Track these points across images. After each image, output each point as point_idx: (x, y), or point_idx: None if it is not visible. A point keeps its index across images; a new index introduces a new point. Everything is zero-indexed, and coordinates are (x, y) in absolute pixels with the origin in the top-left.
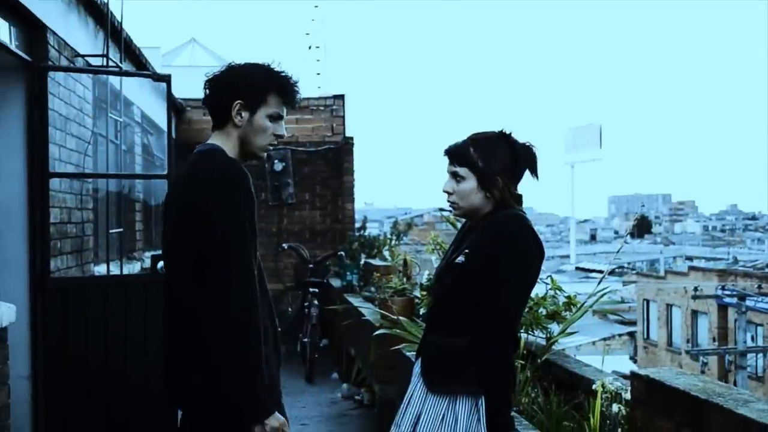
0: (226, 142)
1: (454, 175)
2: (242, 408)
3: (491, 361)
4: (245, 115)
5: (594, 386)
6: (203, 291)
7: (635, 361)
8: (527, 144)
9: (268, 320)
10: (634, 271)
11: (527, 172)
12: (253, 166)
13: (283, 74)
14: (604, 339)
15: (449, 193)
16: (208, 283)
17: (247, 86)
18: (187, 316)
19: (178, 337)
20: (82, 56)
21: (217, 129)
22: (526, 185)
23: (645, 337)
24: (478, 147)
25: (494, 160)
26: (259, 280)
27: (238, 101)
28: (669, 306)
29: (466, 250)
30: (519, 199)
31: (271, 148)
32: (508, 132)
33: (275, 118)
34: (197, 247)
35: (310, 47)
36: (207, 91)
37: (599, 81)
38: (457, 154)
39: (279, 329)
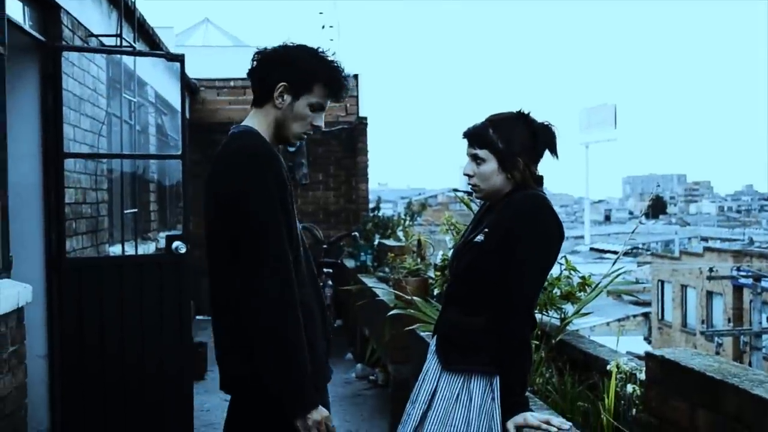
0: (262, 122)
1: (474, 158)
2: (284, 399)
3: (508, 341)
4: (287, 98)
5: (608, 367)
6: (238, 277)
7: (650, 342)
8: (546, 123)
9: (315, 303)
10: (648, 252)
11: (546, 152)
12: None
13: (335, 65)
14: (619, 320)
15: (470, 176)
16: (241, 270)
17: (295, 70)
18: (228, 304)
19: (222, 324)
20: (96, 36)
21: (256, 106)
22: (540, 165)
23: (659, 318)
24: (497, 128)
25: (514, 141)
26: (304, 263)
27: (283, 83)
28: (684, 287)
29: (486, 230)
30: (540, 180)
31: (305, 138)
32: (525, 112)
33: (317, 108)
34: (229, 231)
35: (323, 27)
36: (254, 64)
37: (614, 61)
38: (476, 137)
39: (328, 312)
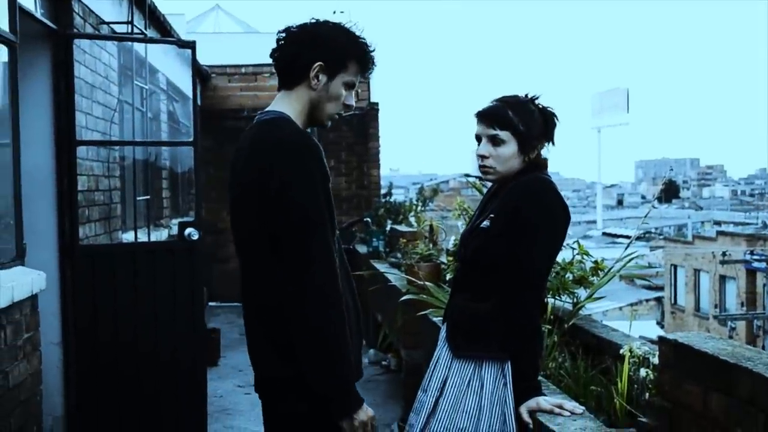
0: (293, 106)
1: (493, 139)
2: (330, 399)
3: (518, 324)
4: (323, 78)
5: (621, 351)
6: (281, 275)
7: (662, 327)
8: (551, 109)
9: (350, 299)
10: (661, 236)
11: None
12: None
13: (365, 41)
14: (631, 304)
15: (485, 157)
16: (285, 266)
17: (330, 49)
18: (267, 303)
19: (259, 324)
20: (107, 23)
21: (286, 89)
22: (553, 150)
23: (672, 302)
24: (517, 111)
25: (533, 125)
26: (339, 257)
27: (319, 63)
28: (697, 271)
29: (492, 215)
30: (545, 163)
31: (337, 117)
32: (533, 96)
33: (350, 86)
34: (271, 226)
35: (334, 12)
36: (282, 45)
37: (626, 45)
38: (498, 117)
39: (360, 308)
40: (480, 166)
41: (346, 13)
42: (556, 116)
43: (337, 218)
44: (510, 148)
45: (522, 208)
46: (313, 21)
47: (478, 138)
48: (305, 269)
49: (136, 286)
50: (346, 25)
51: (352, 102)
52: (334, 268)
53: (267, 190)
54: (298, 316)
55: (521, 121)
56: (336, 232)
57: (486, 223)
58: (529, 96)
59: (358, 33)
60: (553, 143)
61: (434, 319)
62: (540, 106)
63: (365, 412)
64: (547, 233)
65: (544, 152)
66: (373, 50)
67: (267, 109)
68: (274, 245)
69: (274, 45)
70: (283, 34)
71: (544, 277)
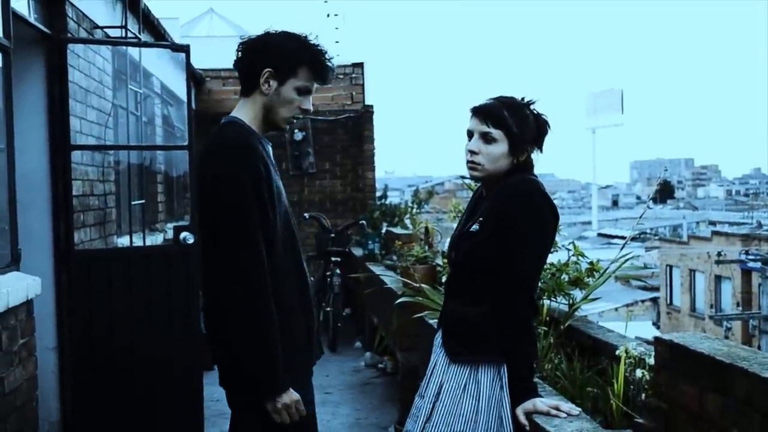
0: (250, 110)
1: (485, 136)
2: (253, 381)
3: (510, 326)
4: (273, 84)
5: (617, 352)
6: (216, 269)
7: (658, 327)
8: (545, 116)
9: (296, 287)
10: (656, 237)
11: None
12: (272, 136)
13: (318, 48)
14: (627, 305)
15: (474, 153)
16: (216, 257)
17: (278, 55)
18: (208, 291)
19: (206, 312)
20: (101, 28)
21: (244, 95)
22: (547, 151)
23: (668, 302)
24: (512, 112)
25: (527, 129)
26: (284, 248)
27: (268, 69)
28: (692, 271)
29: (480, 218)
30: (532, 165)
31: (294, 120)
32: (529, 101)
33: (303, 91)
34: (208, 220)
35: (328, 15)
36: (239, 54)
37: (620, 45)
38: (491, 115)
39: (312, 298)
40: (468, 162)
41: (340, 15)
42: (548, 124)
43: (333, 221)
44: (501, 147)
45: (510, 210)
46: (269, 31)
47: (470, 134)
48: (229, 263)
49: (132, 290)
50: (299, 34)
51: (309, 106)
52: (257, 261)
53: (204, 186)
54: (225, 305)
55: (515, 122)
56: (276, 227)
57: (475, 226)
58: (526, 100)
59: (311, 40)
60: (541, 151)
61: (430, 321)
62: (535, 112)
63: (289, 395)
64: (537, 234)
65: (533, 158)
66: (326, 56)
67: (229, 115)
68: (211, 236)
69: (235, 56)
70: (241, 45)
71: (536, 278)
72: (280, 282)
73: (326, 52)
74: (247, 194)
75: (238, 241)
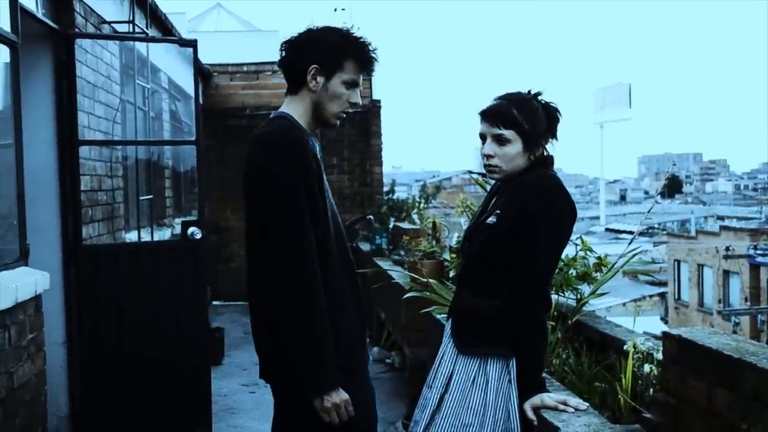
0: (298, 108)
1: (498, 138)
2: (304, 378)
3: (523, 321)
4: (320, 80)
5: (625, 347)
6: (265, 265)
7: (666, 322)
8: (554, 105)
9: (348, 286)
10: (664, 232)
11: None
12: None
13: (361, 40)
14: (635, 300)
15: (490, 156)
16: (266, 254)
17: (323, 51)
18: (258, 288)
19: (253, 308)
20: (109, 23)
21: (291, 93)
22: (555, 146)
23: (676, 297)
24: (522, 109)
25: (538, 123)
26: (336, 245)
27: (314, 66)
28: (700, 266)
29: (498, 211)
30: (551, 160)
31: (344, 116)
32: (536, 92)
33: (351, 84)
34: (256, 217)
35: (335, 10)
36: (283, 53)
37: (628, 40)
38: (502, 116)
39: (363, 298)
40: (485, 165)
41: (348, 10)
42: (558, 111)
43: (341, 216)
44: (515, 147)
45: (529, 205)
46: (309, 27)
47: (483, 137)
48: (282, 257)
49: (140, 285)
50: (340, 27)
51: (358, 99)
52: (309, 259)
53: (252, 183)
54: (278, 300)
55: (526, 119)
56: (328, 223)
57: (492, 219)
58: (532, 92)
59: (353, 32)
60: (556, 138)
61: (438, 316)
62: (543, 102)
63: (338, 395)
64: (554, 230)
65: (549, 148)
66: (371, 46)
67: (277, 111)
68: (262, 235)
69: (280, 55)
70: (285, 44)
71: (550, 274)
72: (333, 279)
73: (369, 43)
74: (297, 191)
75: (288, 237)
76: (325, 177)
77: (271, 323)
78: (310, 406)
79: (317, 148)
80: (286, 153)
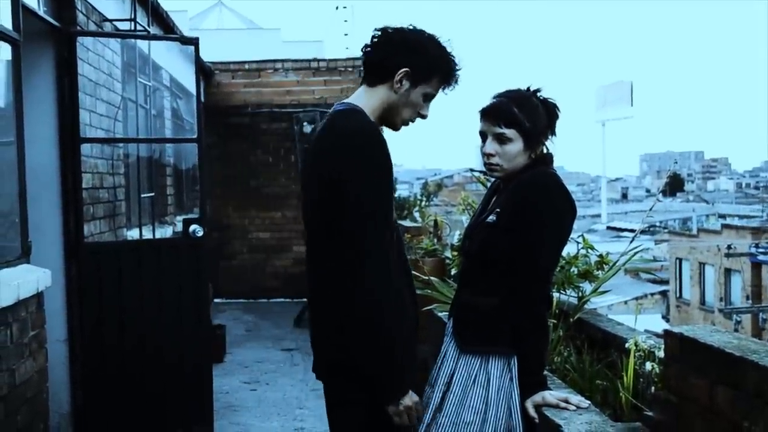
0: (370, 102)
1: (499, 137)
2: (377, 383)
3: (524, 319)
4: (406, 84)
5: (627, 345)
6: (339, 262)
7: (668, 320)
8: (553, 101)
9: (408, 292)
10: (666, 230)
11: None
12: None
13: (454, 60)
14: (636, 298)
15: (491, 155)
16: (343, 254)
17: (420, 58)
18: (327, 290)
19: (320, 309)
20: (110, 21)
21: (368, 85)
22: (557, 144)
23: (677, 296)
24: (522, 107)
25: (538, 120)
26: (397, 249)
27: (406, 69)
28: (702, 264)
29: (497, 210)
30: (551, 158)
31: (410, 123)
32: (535, 89)
33: (429, 97)
34: (332, 215)
35: (337, 8)
36: (375, 41)
37: (630, 38)
38: (503, 115)
39: (416, 299)
40: (486, 164)
41: (349, 8)
42: (558, 107)
43: None
44: (516, 145)
45: (528, 202)
46: (411, 27)
47: (483, 135)
48: (360, 259)
49: (142, 283)
50: (440, 39)
51: (427, 113)
52: (387, 258)
53: (327, 179)
54: (353, 307)
55: (526, 117)
56: (395, 224)
57: (492, 217)
58: (531, 89)
59: (449, 49)
60: (555, 135)
61: (439, 313)
62: (542, 99)
63: (410, 398)
64: (554, 228)
65: (549, 146)
66: (460, 68)
67: (344, 101)
68: (331, 233)
69: (368, 40)
70: (379, 33)
71: (551, 271)
72: (396, 279)
73: (459, 64)
74: (382, 191)
75: (368, 237)
76: None
77: (338, 324)
78: (364, 402)
79: None
80: (374, 150)
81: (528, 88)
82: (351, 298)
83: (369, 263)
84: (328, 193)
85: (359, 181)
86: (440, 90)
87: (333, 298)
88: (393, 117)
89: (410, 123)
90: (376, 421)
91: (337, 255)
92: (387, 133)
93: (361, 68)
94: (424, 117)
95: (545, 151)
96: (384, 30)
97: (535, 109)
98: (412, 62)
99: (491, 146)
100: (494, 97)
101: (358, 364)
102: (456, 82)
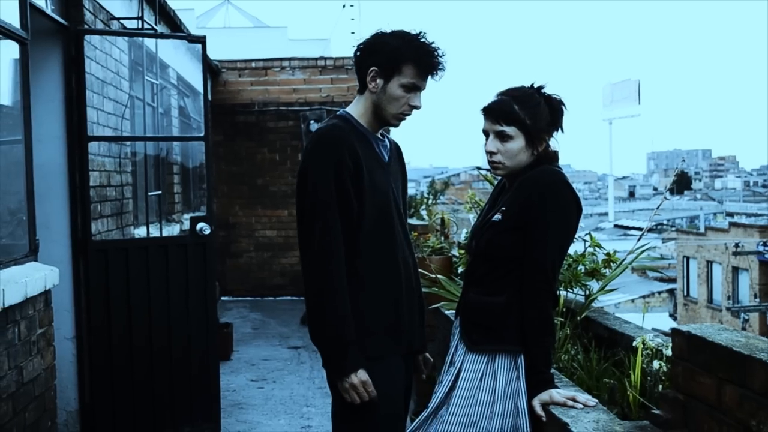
0: (360, 107)
1: (500, 135)
2: (325, 358)
3: (530, 317)
4: (379, 82)
5: (634, 343)
6: (300, 248)
7: (675, 319)
8: (558, 97)
9: (390, 273)
10: (673, 228)
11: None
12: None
13: (423, 44)
14: (644, 296)
15: (493, 153)
16: (299, 242)
17: (382, 54)
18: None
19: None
20: (118, 19)
21: (359, 92)
22: (563, 142)
23: (685, 294)
24: (522, 104)
25: (540, 118)
26: (382, 234)
27: (373, 68)
28: (709, 263)
29: (503, 208)
30: (556, 155)
31: (405, 117)
32: (539, 86)
33: (410, 88)
34: (298, 207)
35: (344, 6)
36: (355, 54)
37: (637, 36)
38: (503, 113)
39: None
40: (489, 162)
41: (356, 6)
42: (563, 103)
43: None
44: (518, 143)
45: (534, 200)
46: (378, 32)
47: (486, 133)
48: (309, 243)
49: (149, 281)
50: (406, 31)
51: (418, 103)
52: (330, 248)
53: (298, 176)
54: (305, 282)
55: (527, 114)
56: (383, 215)
57: (498, 216)
58: (535, 86)
59: (416, 37)
60: (562, 130)
61: (447, 312)
62: (546, 95)
63: (358, 376)
64: (559, 226)
65: (554, 143)
66: (436, 52)
67: (345, 109)
68: (298, 220)
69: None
70: (357, 45)
71: (557, 267)
72: (367, 265)
73: (433, 49)
74: (326, 181)
75: (316, 224)
76: (375, 171)
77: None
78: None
79: (376, 144)
80: (321, 151)
81: (531, 85)
82: (305, 278)
83: (311, 249)
84: (297, 192)
85: (307, 175)
86: (421, 77)
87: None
88: (382, 115)
89: (406, 116)
90: (343, 401)
91: (300, 244)
92: (395, 131)
93: None
94: (417, 107)
95: (550, 148)
96: (360, 41)
97: (537, 106)
98: (376, 60)
99: (493, 144)
100: (496, 95)
101: (313, 341)
102: (437, 66)
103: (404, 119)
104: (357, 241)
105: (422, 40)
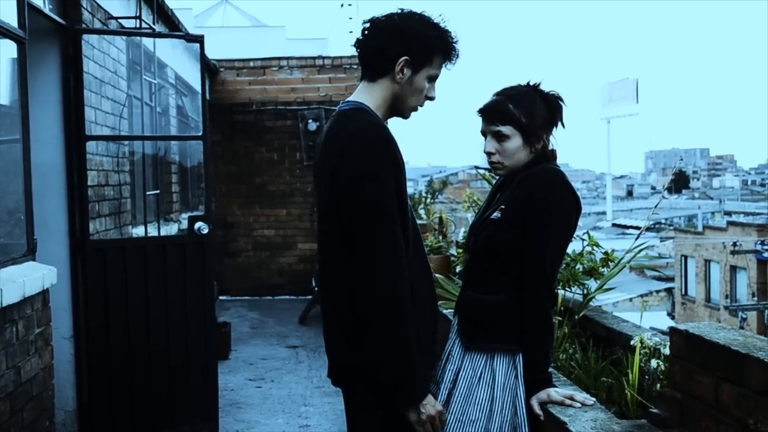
0: (374, 98)
1: (497, 135)
2: (396, 389)
3: (529, 316)
4: (407, 72)
5: (632, 342)
6: (351, 265)
7: (673, 318)
8: (556, 94)
9: (428, 292)
10: (671, 227)
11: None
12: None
13: (451, 34)
14: (642, 295)
15: (491, 153)
16: (356, 260)
17: (416, 42)
18: (339, 290)
19: (333, 311)
20: (116, 18)
21: (368, 80)
22: (561, 141)
23: (683, 293)
24: (518, 103)
25: (536, 115)
26: (416, 248)
27: (405, 57)
28: (707, 262)
29: (502, 206)
30: (554, 154)
31: (417, 110)
32: (536, 83)
33: (433, 79)
34: (343, 219)
35: (342, 5)
36: (366, 34)
37: (635, 35)
38: (497, 113)
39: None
40: (489, 162)
41: (354, 5)
42: (561, 99)
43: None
44: (514, 142)
45: (532, 199)
46: (399, 12)
47: (484, 134)
48: (372, 260)
49: (147, 280)
50: (431, 18)
51: (434, 94)
52: (401, 265)
53: (340, 185)
54: (364, 305)
55: (523, 112)
56: (410, 223)
57: (496, 214)
58: (531, 84)
59: (443, 25)
60: (563, 126)
61: (445, 311)
62: (542, 92)
63: (432, 405)
64: (558, 224)
65: (553, 142)
66: (457, 41)
67: (347, 99)
68: (346, 237)
69: (359, 35)
70: (368, 25)
71: (556, 268)
72: (415, 279)
73: (457, 38)
74: (391, 193)
75: (379, 237)
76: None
77: (351, 329)
78: (381, 407)
79: None
80: (385, 151)
81: (528, 83)
82: (365, 301)
83: (381, 265)
84: (342, 197)
85: (369, 182)
86: (442, 67)
87: (346, 301)
88: (401, 107)
89: (419, 108)
90: (394, 427)
91: (354, 261)
92: (395, 131)
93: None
94: (432, 99)
95: (549, 146)
96: (374, 22)
97: (532, 104)
98: (409, 49)
99: (490, 145)
100: (493, 95)
101: (373, 368)
102: (457, 56)
103: (417, 111)
104: (409, 256)
105: (448, 28)
